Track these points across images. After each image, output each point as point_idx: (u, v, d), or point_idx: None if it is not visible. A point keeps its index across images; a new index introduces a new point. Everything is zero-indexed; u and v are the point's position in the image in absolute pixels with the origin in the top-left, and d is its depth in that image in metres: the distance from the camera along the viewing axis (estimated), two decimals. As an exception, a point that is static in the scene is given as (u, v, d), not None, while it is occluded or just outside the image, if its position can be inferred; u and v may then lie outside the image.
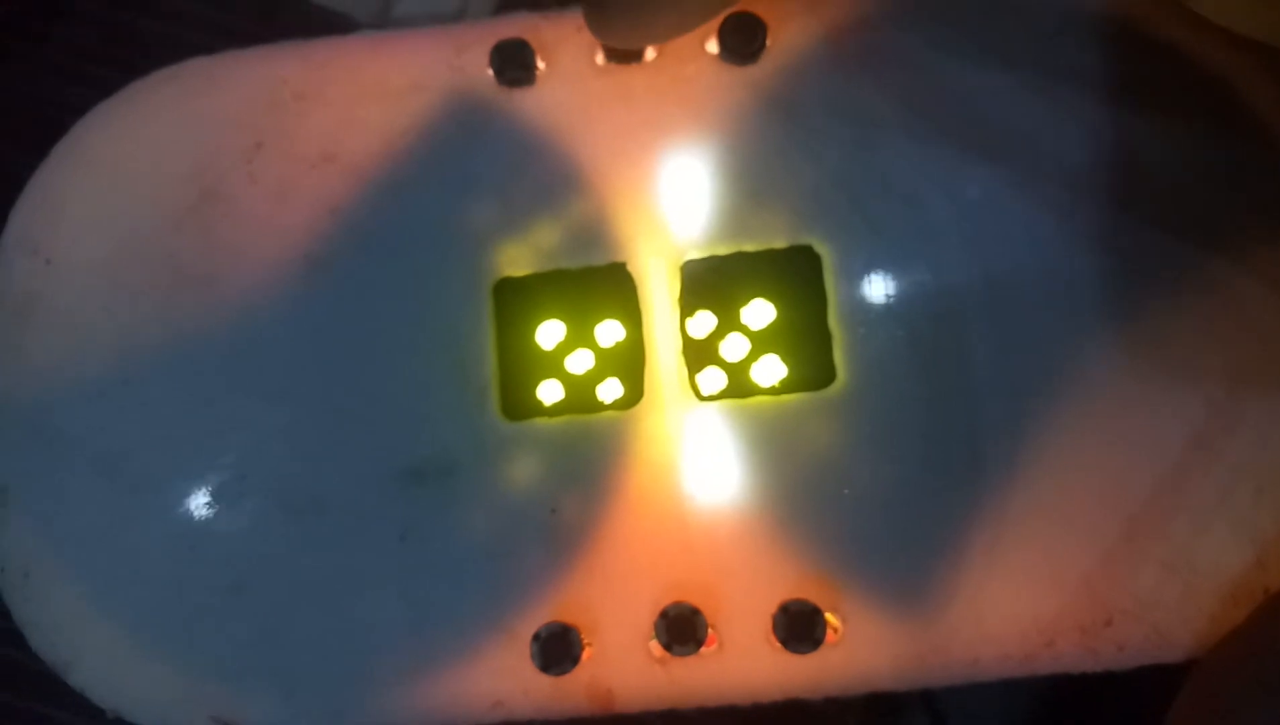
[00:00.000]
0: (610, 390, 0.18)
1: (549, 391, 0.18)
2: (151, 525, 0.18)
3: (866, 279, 0.17)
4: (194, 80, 0.19)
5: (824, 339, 0.17)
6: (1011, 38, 0.18)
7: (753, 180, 0.18)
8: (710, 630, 0.16)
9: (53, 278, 0.18)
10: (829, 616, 0.16)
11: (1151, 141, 0.17)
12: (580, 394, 0.18)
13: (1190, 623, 0.17)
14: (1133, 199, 0.17)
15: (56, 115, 0.29)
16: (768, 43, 0.18)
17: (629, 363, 0.18)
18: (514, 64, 0.18)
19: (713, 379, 0.18)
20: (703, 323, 0.18)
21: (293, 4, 0.29)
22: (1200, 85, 0.18)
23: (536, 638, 0.16)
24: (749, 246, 0.18)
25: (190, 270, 0.18)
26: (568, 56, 0.18)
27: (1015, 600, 0.17)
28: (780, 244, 0.18)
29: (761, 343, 0.18)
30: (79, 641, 0.18)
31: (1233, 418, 0.17)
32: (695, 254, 0.18)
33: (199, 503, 0.18)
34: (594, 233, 0.18)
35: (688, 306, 0.18)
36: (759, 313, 0.18)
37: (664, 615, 0.16)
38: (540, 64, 0.18)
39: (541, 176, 0.18)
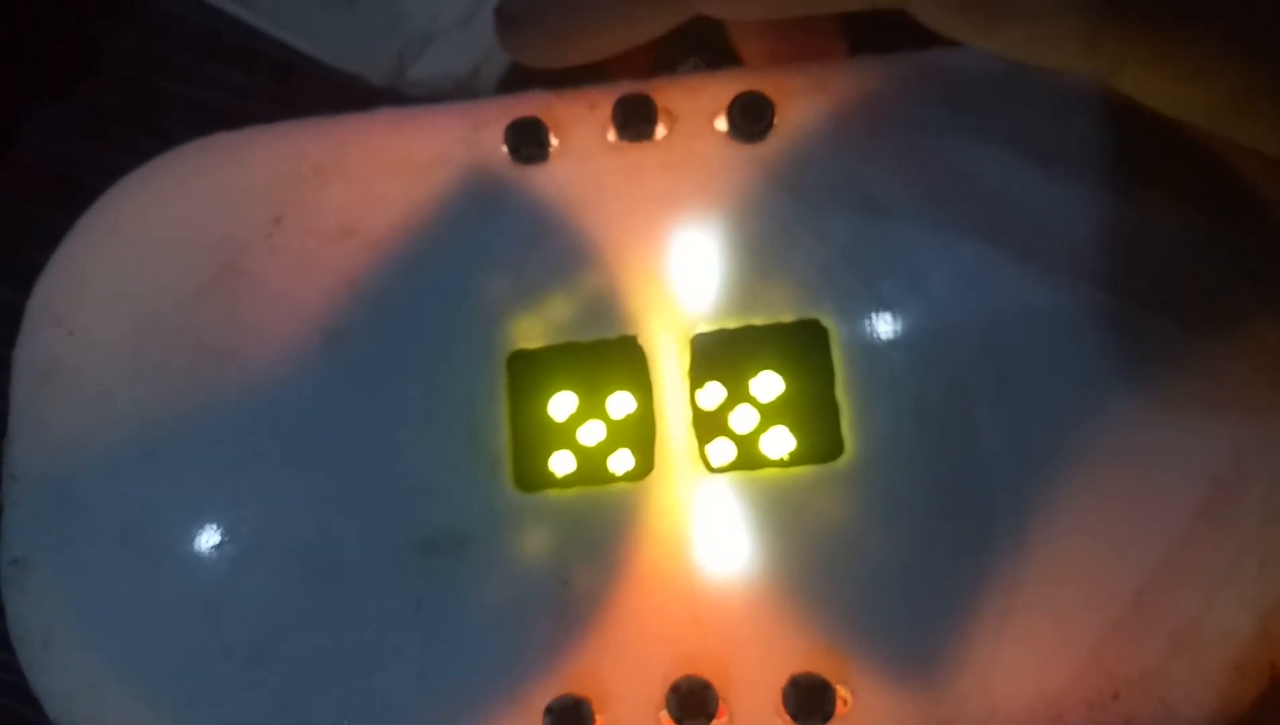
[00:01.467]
0: (621, 461, 0.18)
1: (561, 463, 0.18)
2: (171, 594, 0.18)
3: (873, 352, 0.18)
4: (217, 154, 0.20)
5: (831, 411, 0.18)
6: (1013, 116, 0.18)
7: (761, 255, 0.18)
8: (721, 703, 0.17)
9: (75, 348, 0.19)
10: (839, 689, 0.17)
11: (1151, 218, 0.18)
12: (592, 465, 0.18)
13: (1196, 695, 0.17)
14: (1134, 274, 0.18)
15: (79, 173, 0.30)
16: (775, 121, 0.18)
17: (640, 434, 0.18)
18: (528, 141, 0.19)
19: (722, 450, 0.18)
20: (712, 395, 0.18)
21: (309, 66, 0.30)
22: (1197, 164, 0.18)
23: (549, 710, 0.17)
24: (757, 320, 0.18)
25: (211, 342, 0.19)
26: (580, 134, 0.19)
27: (1023, 673, 0.17)
28: (788, 317, 0.18)
29: (770, 415, 0.18)
30: (97, 710, 0.18)
31: (1237, 492, 0.17)
32: (705, 327, 0.18)
33: (218, 572, 0.18)
34: (605, 306, 0.18)
35: (697, 379, 0.18)
36: (767, 385, 0.18)
37: (675, 688, 0.17)
38: (553, 141, 0.19)
39: (554, 251, 0.18)
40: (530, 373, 0.18)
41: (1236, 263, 0.18)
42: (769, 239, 0.18)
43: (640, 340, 0.18)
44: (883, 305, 0.18)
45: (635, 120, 0.19)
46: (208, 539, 0.18)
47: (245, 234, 0.19)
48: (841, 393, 0.18)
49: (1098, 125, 0.18)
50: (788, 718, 0.16)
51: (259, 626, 0.18)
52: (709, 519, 0.17)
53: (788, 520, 0.17)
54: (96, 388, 0.19)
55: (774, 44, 0.20)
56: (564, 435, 0.18)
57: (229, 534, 0.18)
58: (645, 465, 0.18)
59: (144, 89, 0.31)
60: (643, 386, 0.18)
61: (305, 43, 0.30)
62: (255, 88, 0.30)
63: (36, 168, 0.30)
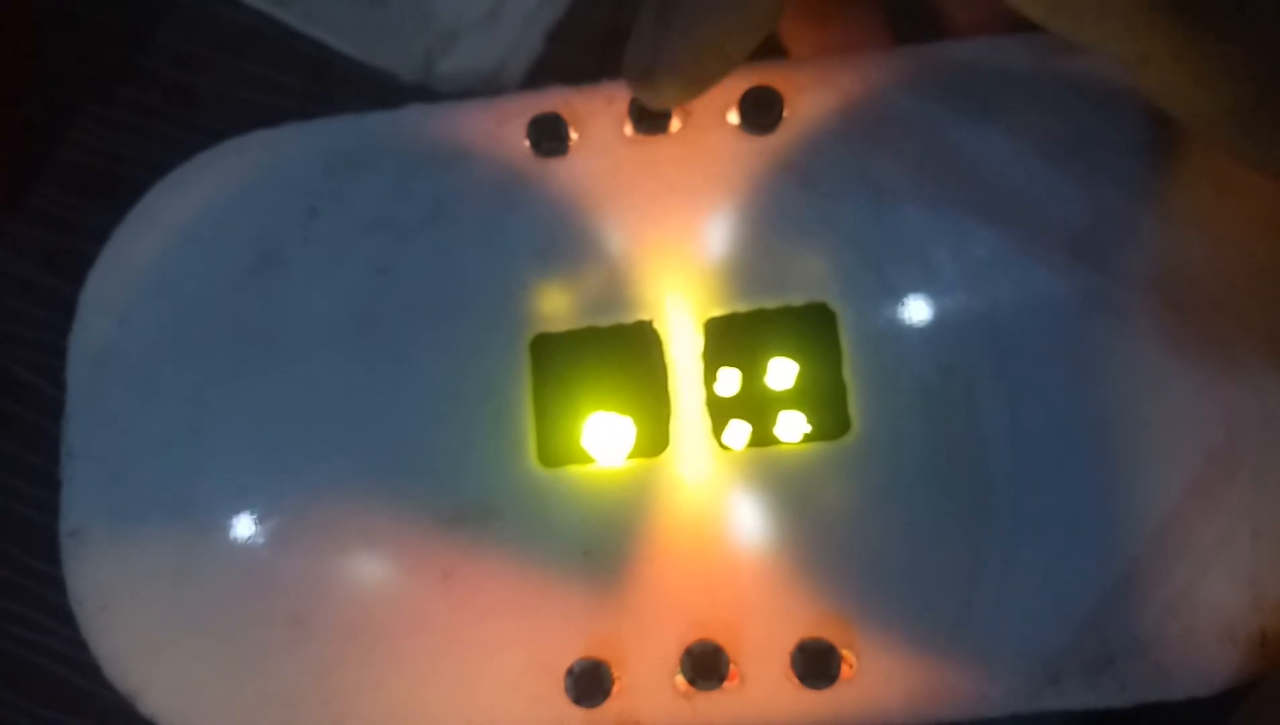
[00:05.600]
0: (639, 439, 0.19)
1: (581, 440, 0.19)
2: (216, 563, 0.19)
3: (879, 334, 0.19)
4: (255, 151, 0.21)
5: (839, 391, 0.18)
6: (1018, 107, 0.19)
7: (771, 242, 0.19)
8: (732, 666, 0.18)
9: (126, 335, 0.20)
10: (844, 654, 0.18)
11: (1152, 204, 0.18)
12: (611, 442, 0.19)
13: (1190, 662, 0.17)
14: (1133, 259, 0.18)
15: (122, 169, 0.31)
16: (785, 114, 0.19)
17: (656, 413, 0.19)
18: (549, 135, 0.20)
19: (734, 428, 0.19)
20: (725, 375, 0.19)
21: (341, 63, 0.31)
22: (1201, 152, 0.19)
23: (570, 672, 0.18)
24: (768, 304, 0.19)
25: (252, 328, 0.20)
26: (599, 128, 0.20)
27: (1021, 639, 0.17)
28: (797, 302, 0.19)
29: (780, 394, 0.19)
30: (149, 672, 0.19)
31: (1231, 465, 0.18)
32: (718, 311, 0.19)
33: (260, 543, 0.19)
34: (623, 292, 0.19)
35: (711, 360, 0.19)
36: (777, 366, 0.19)
37: (689, 652, 0.17)
38: (573, 135, 0.20)
39: (574, 240, 0.19)
40: (552, 355, 0.19)
41: (1233, 248, 0.18)
42: (779, 227, 0.19)
43: (656, 324, 0.19)
44: (889, 290, 0.19)
45: (651, 114, 0.19)
46: (250, 512, 0.19)
47: (283, 225, 0.20)
48: (849, 373, 0.18)
49: (1100, 117, 0.19)
50: (795, 680, 0.17)
51: (297, 594, 0.19)
52: (721, 493, 0.18)
53: (796, 494, 0.18)
54: (146, 371, 0.20)
55: (822, 34, 0.21)
56: (583, 413, 0.19)
57: (270, 507, 0.19)
58: (661, 442, 0.19)
59: (184, 87, 0.32)
60: (658, 368, 0.19)
61: (338, 41, 0.31)
62: (290, 85, 0.32)
63: (82, 164, 0.31)
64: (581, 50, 0.30)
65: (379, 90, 0.31)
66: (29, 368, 0.30)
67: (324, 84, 0.31)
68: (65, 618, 0.27)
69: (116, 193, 0.31)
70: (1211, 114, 0.16)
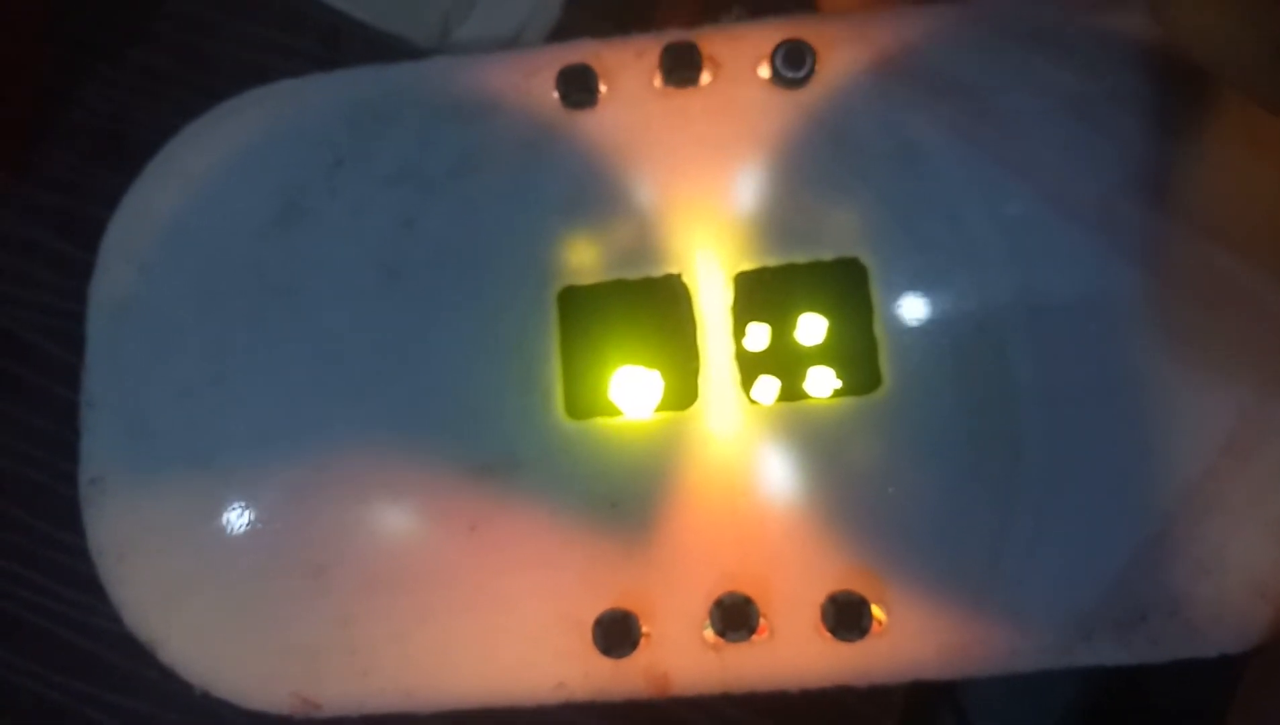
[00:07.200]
0: (667, 391, 0.19)
1: (609, 392, 0.19)
2: (237, 513, 0.19)
3: (910, 290, 0.18)
4: (280, 101, 0.21)
5: (870, 346, 0.18)
6: (1051, 62, 0.19)
7: (802, 197, 0.19)
8: (762, 619, 0.17)
9: (147, 284, 0.20)
10: (874, 608, 0.17)
11: (1186, 161, 0.18)
12: (639, 394, 0.19)
13: (1222, 619, 0.17)
14: (1167, 216, 0.18)
15: (133, 133, 0.31)
16: (817, 68, 0.19)
17: (684, 366, 0.19)
18: (578, 87, 0.19)
19: (764, 381, 0.19)
20: (753, 329, 0.19)
21: (355, 29, 0.31)
22: (1235, 107, 0.19)
23: (598, 623, 0.17)
24: (798, 259, 0.19)
25: (274, 278, 0.19)
26: (628, 80, 0.20)
27: (1053, 594, 0.17)
28: (828, 257, 0.19)
29: (810, 349, 0.19)
30: (169, 622, 0.19)
31: (1264, 425, 0.18)
32: (748, 266, 0.19)
33: (281, 493, 0.19)
34: (651, 245, 0.19)
35: (740, 314, 0.19)
36: (808, 320, 0.19)
37: (718, 604, 0.17)
38: (602, 87, 0.19)
39: (603, 192, 0.19)
40: (580, 307, 0.19)
41: (1267, 204, 0.18)
42: (810, 182, 0.19)
43: (685, 277, 0.19)
44: (920, 245, 0.19)
45: (681, 67, 0.19)
46: (272, 462, 0.19)
47: (307, 176, 0.20)
48: (879, 329, 0.18)
49: (1132, 74, 0.19)
50: (826, 633, 0.17)
51: (321, 545, 0.19)
52: (750, 447, 0.18)
53: (827, 448, 0.18)
54: (166, 321, 0.20)
55: None
56: (611, 366, 0.19)
57: (291, 458, 0.19)
58: (689, 396, 0.18)
59: (195, 52, 0.31)
60: (687, 321, 0.19)
61: (352, 6, 0.31)
62: (302, 49, 0.31)
63: (91, 129, 0.31)
64: (601, 15, 0.30)
65: (393, 56, 0.30)
66: (35, 330, 0.29)
67: (337, 49, 0.31)
68: (72, 581, 0.27)
69: (125, 156, 0.30)
70: (1241, 61, 0.15)
